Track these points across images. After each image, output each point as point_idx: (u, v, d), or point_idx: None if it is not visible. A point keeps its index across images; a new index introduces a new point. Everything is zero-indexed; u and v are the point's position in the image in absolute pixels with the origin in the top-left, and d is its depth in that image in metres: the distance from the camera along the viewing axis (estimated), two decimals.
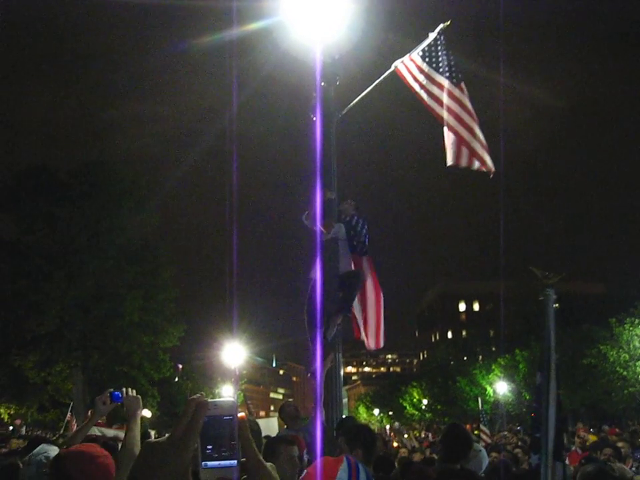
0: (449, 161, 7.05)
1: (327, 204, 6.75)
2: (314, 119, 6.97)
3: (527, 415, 38.84)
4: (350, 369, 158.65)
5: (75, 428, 10.74)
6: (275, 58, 7.68)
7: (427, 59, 7.25)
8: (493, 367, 44.62)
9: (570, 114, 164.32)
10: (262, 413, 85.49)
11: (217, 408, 1.13)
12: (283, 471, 3.44)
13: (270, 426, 12.17)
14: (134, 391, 3.61)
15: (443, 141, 7.14)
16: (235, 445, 1.13)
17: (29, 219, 29.05)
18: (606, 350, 32.47)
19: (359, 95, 7.52)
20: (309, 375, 6.50)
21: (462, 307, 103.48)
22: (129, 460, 3.01)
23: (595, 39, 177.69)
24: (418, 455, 10.17)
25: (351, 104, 7.53)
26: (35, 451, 5.09)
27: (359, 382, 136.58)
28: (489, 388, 45.37)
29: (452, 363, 56.91)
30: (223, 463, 1.12)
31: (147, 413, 27.88)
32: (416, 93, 7.27)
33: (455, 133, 6.98)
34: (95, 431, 6.46)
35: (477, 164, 6.89)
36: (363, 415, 78.91)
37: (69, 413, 16.09)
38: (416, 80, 7.25)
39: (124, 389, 3.62)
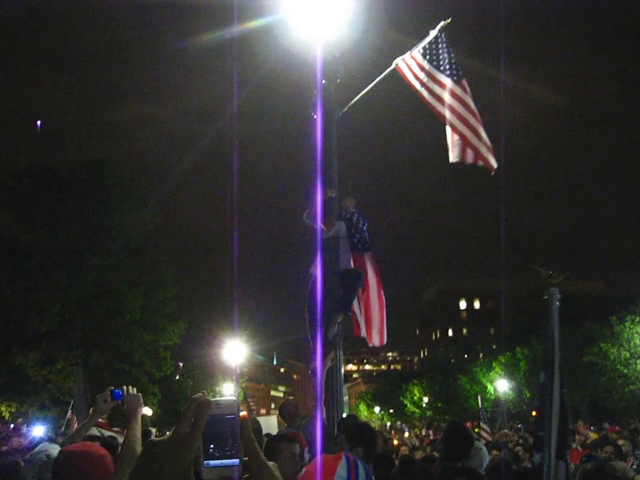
0: (452, 158, 7.05)
1: (328, 202, 6.74)
2: (314, 116, 6.96)
3: (528, 412, 38.90)
4: (351, 366, 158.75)
5: (75, 426, 10.74)
6: (276, 56, 7.67)
7: (427, 57, 7.24)
8: (494, 365, 44.63)
9: (570, 112, 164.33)
10: (263, 411, 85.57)
11: (219, 407, 1.13)
12: (284, 469, 3.44)
13: (270, 424, 12.20)
14: (134, 389, 3.61)
15: (445, 138, 7.14)
16: (237, 444, 1.12)
17: (30, 217, 29.05)
18: (606, 348, 32.48)
19: (360, 92, 7.51)
20: (309, 372, 6.51)
21: (463, 304, 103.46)
22: (130, 458, 3.01)
23: (595, 37, 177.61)
24: (420, 452, 10.17)
25: (352, 102, 7.52)
26: (36, 449, 5.10)
27: (359, 380, 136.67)
28: (489, 386, 45.39)
29: (452, 360, 56.94)
30: (225, 462, 1.11)
31: (147, 411, 27.88)
32: (416, 90, 7.26)
33: (457, 131, 6.97)
34: (95, 431, 6.46)
35: (479, 162, 6.89)
36: (363, 412, 78.94)
37: (69, 411, 16.10)
38: (417, 78, 7.24)
39: (124, 387, 3.62)
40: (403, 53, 7.39)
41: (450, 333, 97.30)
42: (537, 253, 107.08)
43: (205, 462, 1.11)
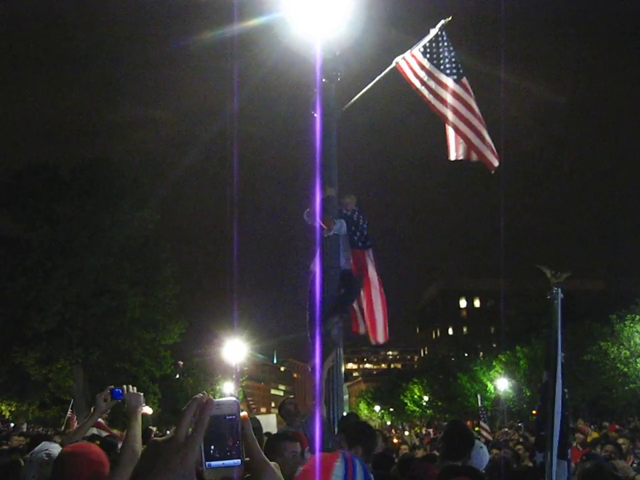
0: (451, 156, 7.06)
1: (328, 200, 6.74)
2: (315, 115, 6.95)
3: (528, 411, 38.93)
4: (351, 365, 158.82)
5: (75, 425, 10.75)
6: (276, 54, 7.66)
7: (428, 55, 7.22)
8: (494, 364, 44.65)
9: (571, 111, 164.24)
10: (263, 410, 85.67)
11: (220, 408, 1.12)
12: (285, 468, 3.43)
13: (269, 422, 12.20)
14: (134, 388, 3.60)
15: (445, 136, 7.13)
16: (238, 444, 1.12)
17: (30, 216, 29.07)
18: (606, 346, 32.49)
19: (360, 91, 7.50)
20: (309, 369, 6.50)
21: (463, 303, 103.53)
22: (130, 458, 3.00)
23: (596, 35, 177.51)
24: (421, 451, 10.16)
25: (352, 100, 7.51)
26: (36, 448, 5.08)
27: (359, 378, 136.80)
28: (489, 384, 45.41)
29: (453, 359, 56.93)
30: (226, 462, 1.11)
31: (148, 410, 27.92)
32: (417, 89, 7.24)
33: (457, 130, 6.97)
34: (94, 431, 6.47)
35: (479, 160, 6.89)
36: (363, 411, 79.00)
37: (69, 410, 16.07)
38: (417, 76, 7.23)
39: (125, 386, 3.61)
40: (404, 51, 7.38)
41: (450, 331, 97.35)
42: (537, 252, 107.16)
43: (207, 463, 1.10)
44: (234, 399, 1.16)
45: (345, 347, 7.19)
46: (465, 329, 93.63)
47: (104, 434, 7.88)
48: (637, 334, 31.36)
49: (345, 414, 6.70)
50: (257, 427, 4.53)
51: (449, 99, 7.04)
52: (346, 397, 8.11)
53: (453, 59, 7.12)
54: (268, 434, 6.73)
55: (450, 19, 7.21)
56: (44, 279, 27.53)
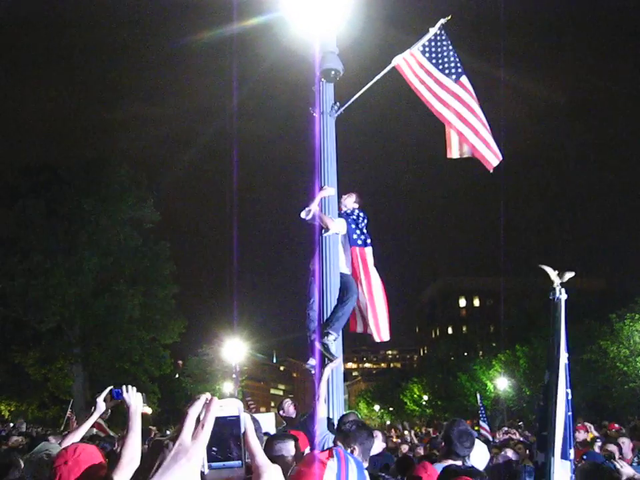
0: (450, 155, 7.06)
1: (327, 199, 6.73)
2: (314, 114, 6.95)
3: (527, 410, 38.94)
4: (350, 364, 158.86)
5: (75, 425, 10.75)
6: (275, 53, 7.67)
7: (427, 54, 7.22)
8: (494, 363, 44.68)
9: (570, 112, 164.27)
10: (262, 409, 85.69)
11: (222, 408, 1.12)
12: (285, 469, 3.43)
13: (267, 422, 12.17)
14: (134, 388, 3.59)
15: (444, 136, 7.13)
16: (240, 445, 1.11)
17: (30, 215, 29.06)
18: (606, 345, 32.51)
19: (359, 90, 7.49)
20: (307, 367, 6.50)
21: (462, 302, 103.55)
22: (131, 458, 3.00)
23: (596, 35, 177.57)
24: (420, 451, 10.16)
25: (352, 99, 7.50)
26: (36, 448, 5.08)
27: (359, 378, 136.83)
28: (489, 383, 45.44)
29: (452, 358, 56.96)
30: (228, 463, 1.11)
31: (147, 410, 27.89)
32: (415, 88, 7.24)
33: (456, 129, 6.96)
34: (93, 432, 6.47)
35: (477, 158, 6.90)
36: (363, 410, 79.02)
37: (69, 410, 16.08)
38: (416, 75, 7.22)
39: (124, 387, 3.61)
40: (403, 50, 7.37)
41: (450, 330, 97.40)
42: (537, 250, 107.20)
43: (209, 464, 1.10)
44: (235, 399, 1.15)
45: (344, 347, 7.18)
46: (464, 328, 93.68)
47: (102, 435, 7.88)
48: (636, 333, 31.38)
49: (344, 413, 6.69)
50: (257, 427, 4.51)
51: (448, 98, 7.03)
52: (345, 396, 8.12)
53: (453, 58, 7.12)
54: (267, 434, 6.72)
55: (449, 18, 7.20)
56: (43, 279, 27.52)
